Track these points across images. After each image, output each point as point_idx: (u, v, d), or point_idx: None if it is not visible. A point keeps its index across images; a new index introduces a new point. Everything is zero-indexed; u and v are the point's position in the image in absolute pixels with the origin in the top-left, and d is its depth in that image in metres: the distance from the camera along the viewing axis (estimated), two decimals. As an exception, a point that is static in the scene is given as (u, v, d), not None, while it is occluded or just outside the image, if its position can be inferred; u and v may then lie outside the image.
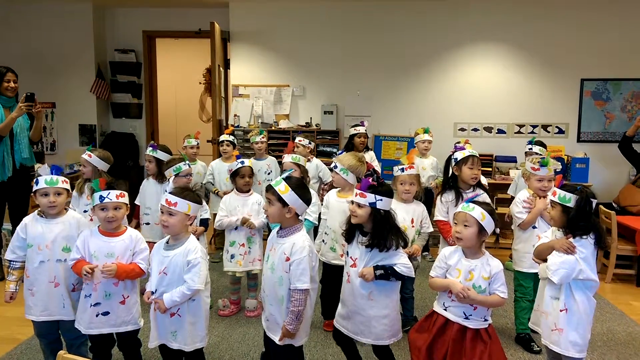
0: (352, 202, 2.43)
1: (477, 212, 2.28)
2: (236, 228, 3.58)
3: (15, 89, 4.36)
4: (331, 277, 3.18)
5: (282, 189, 2.29)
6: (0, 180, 4.32)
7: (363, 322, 2.43)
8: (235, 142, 5.03)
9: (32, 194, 2.59)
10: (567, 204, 2.36)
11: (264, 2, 6.25)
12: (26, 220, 2.59)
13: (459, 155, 3.27)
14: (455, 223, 2.36)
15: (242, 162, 3.61)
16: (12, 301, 2.56)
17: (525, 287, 3.21)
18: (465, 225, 2.30)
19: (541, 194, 3.13)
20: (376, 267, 2.37)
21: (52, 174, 2.55)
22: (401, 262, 2.39)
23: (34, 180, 2.56)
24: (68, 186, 2.61)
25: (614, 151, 5.67)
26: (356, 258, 2.44)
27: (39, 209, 2.61)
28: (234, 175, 3.64)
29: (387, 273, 2.37)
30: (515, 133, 6.22)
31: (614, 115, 6.14)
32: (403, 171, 3.16)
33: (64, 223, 2.59)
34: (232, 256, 3.60)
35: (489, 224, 2.29)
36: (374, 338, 2.44)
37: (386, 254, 2.38)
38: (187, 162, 3.73)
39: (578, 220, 2.34)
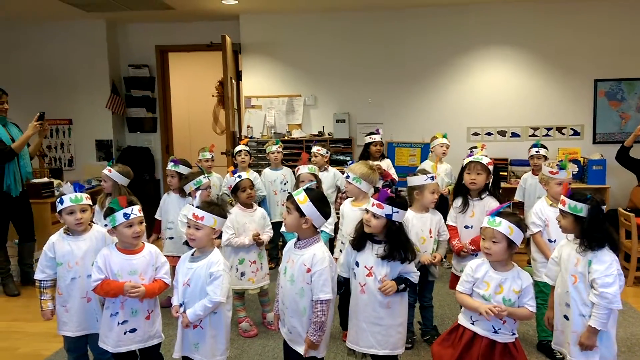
0: (367, 211, 2.40)
1: (505, 227, 2.23)
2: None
3: (6, 110, 4.52)
4: (349, 287, 3.17)
5: (301, 199, 2.29)
6: (14, 196, 4.44)
7: (380, 332, 2.40)
8: (250, 152, 5.05)
9: (57, 213, 2.63)
10: (580, 214, 2.31)
11: (273, 14, 6.31)
12: (53, 239, 2.64)
13: (465, 161, 3.30)
14: (483, 238, 2.31)
15: (240, 176, 3.52)
16: (53, 317, 2.63)
17: (547, 293, 3.16)
18: (494, 242, 2.25)
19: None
20: (397, 281, 2.39)
21: (75, 191, 2.58)
22: (414, 271, 2.43)
23: (58, 199, 2.59)
24: (90, 202, 2.65)
25: (631, 152, 5.59)
26: (371, 267, 2.41)
27: (65, 227, 2.66)
28: (235, 190, 3.53)
29: (407, 286, 2.39)
30: (529, 136, 6.17)
31: (629, 115, 6.07)
32: (433, 179, 3.11)
33: (90, 239, 2.64)
34: (243, 274, 3.49)
35: (518, 237, 2.25)
36: (392, 348, 2.42)
37: (407, 265, 2.39)
38: (207, 175, 3.75)
39: (593, 230, 2.28)
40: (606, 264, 2.24)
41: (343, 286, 2.56)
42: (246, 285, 3.54)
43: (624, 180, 5.65)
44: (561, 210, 2.40)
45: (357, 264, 2.47)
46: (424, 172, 3.16)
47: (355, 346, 2.47)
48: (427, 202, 3.13)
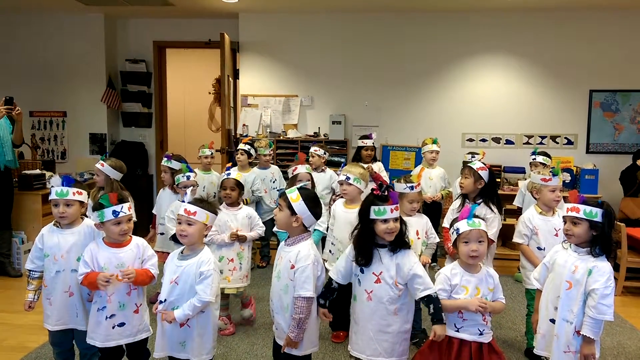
0: (387, 220, 2.27)
1: (484, 225, 2.32)
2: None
3: None
4: (342, 292, 3.16)
5: (294, 197, 2.31)
6: None
7: (387, 340, 2.33)
8: (252, 152, 4.91)
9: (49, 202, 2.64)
10: (595, 219, 2.28)
11: (273, 13, 6.31)
12: (43, 230, 2.64)
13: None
14: (466, 242, 2.29)
15: (228, 174, 3.48)
16: (30, 310, 2.61)
17: (538, 299, 3.19)
18: (480, 242, 2.28)
19: (554, 205, 3.11)
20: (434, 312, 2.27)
21: (62, 185, 2.57)
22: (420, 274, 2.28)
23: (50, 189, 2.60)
24: (82, 197, 2.61)
25: (623, 163, 5.64)
26: (380, 272, 2.30)
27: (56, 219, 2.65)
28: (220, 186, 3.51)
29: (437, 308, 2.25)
30: (523, 144, 6.21)
31: (623, 126, 6.12)
32: (413, 189, 3.10)
33: (79, 233, 2.62)
34: (221, 272, 3.36)
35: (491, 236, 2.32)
36: (398, 355, 2.35)
37: (404, 252, 2.30)
38: (187, 174, 3.66)
39: (610, 235, 2.29)
40: (606, 276, 2.25)
41: (335, 292, 2.46)
42: (222, 283, 3.39)
43: (615, 191, 5.71)
44: (575, 218, 2.32)
45: (362, 270, 2.36)
46: (407, 180, 3.14)
47: (362, 355, 2.39)
48: (405, 210, 3.12)
